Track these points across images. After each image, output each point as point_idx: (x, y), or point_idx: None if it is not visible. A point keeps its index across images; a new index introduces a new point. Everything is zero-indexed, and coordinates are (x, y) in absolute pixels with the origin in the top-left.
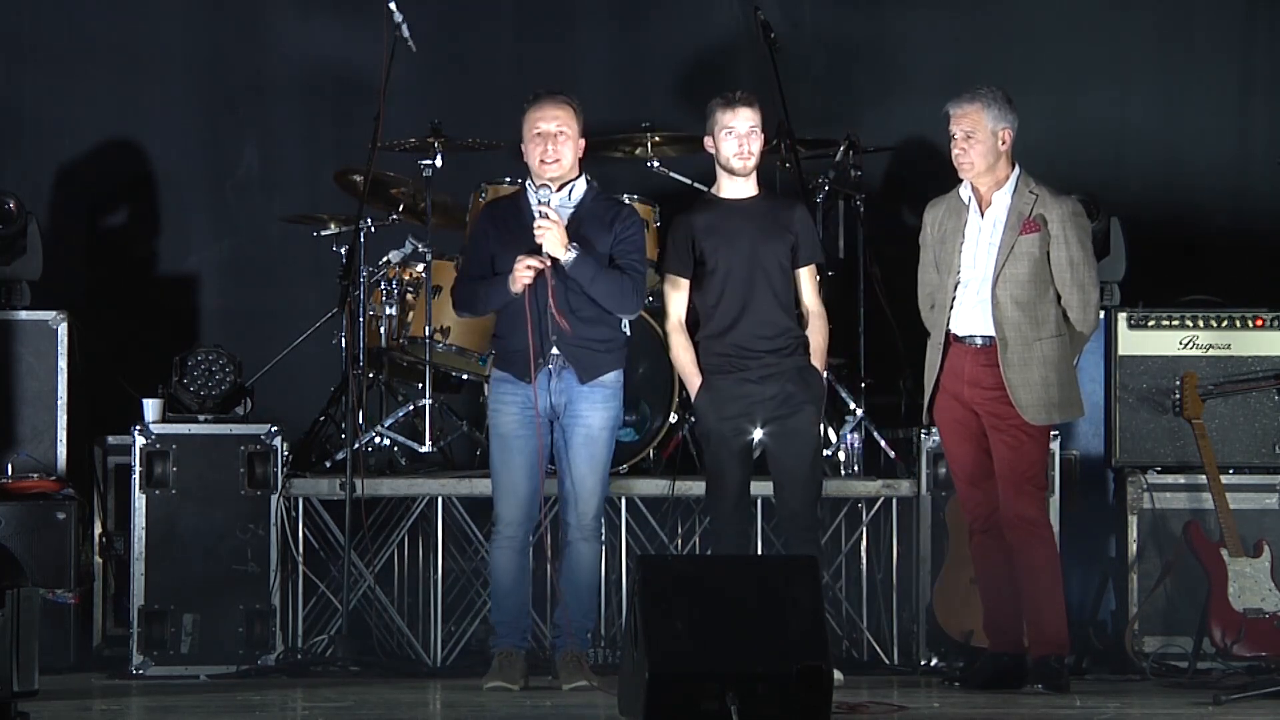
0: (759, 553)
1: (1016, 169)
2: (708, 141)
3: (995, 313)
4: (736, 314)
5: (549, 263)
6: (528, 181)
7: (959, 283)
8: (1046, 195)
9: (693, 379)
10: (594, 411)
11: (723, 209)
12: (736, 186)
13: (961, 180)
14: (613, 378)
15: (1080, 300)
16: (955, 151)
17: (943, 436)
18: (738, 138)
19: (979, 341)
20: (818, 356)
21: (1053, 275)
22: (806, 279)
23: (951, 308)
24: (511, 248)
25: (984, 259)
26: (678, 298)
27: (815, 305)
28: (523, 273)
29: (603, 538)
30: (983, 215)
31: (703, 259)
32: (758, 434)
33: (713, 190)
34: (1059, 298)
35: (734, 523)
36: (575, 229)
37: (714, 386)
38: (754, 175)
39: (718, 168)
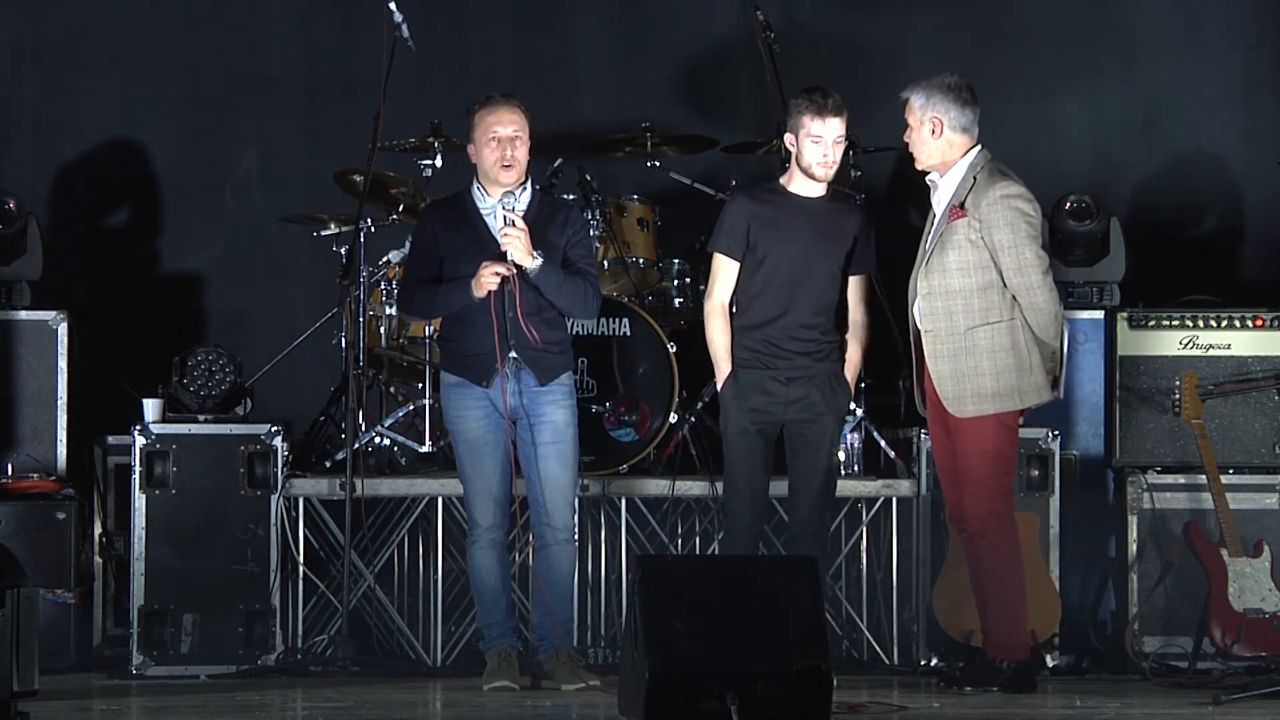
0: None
1: (968, 156)
2: (789, 138)
3: (923, 303)
4: (777, 311)
5: (515, 270)
6: (475, 185)
7: (920, 273)
8: (983, 181)
9: (722, 365)
10: (557, 409)
11: (784, 202)
12: (807, 184)
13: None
14: (567, 376)
15: (1023, 284)
16: (905, 139)
17: (929, 432)
18: (824, 146)
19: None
20: (851, 367)
21: (994, 262)
22: (857, 288)
23: (913, 300)
24: (464, 252)
25: (926, 247)
26: (725, 279)
27: (861, 316)
28: (489, 279)
29: (576, 538)
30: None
31: (754, 248)
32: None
33: (781, 180)
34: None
35: (748, 519)
36: (532, 234)
37: (740, 379)
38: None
39: (794, 164)
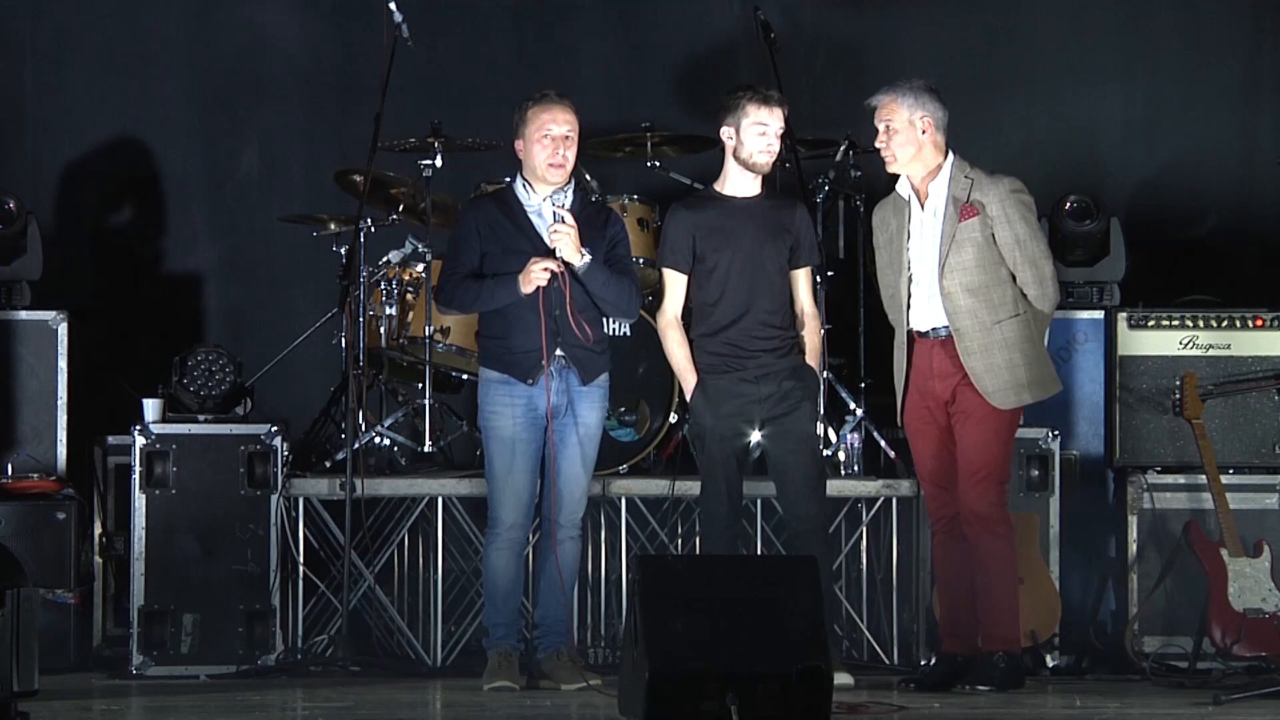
0: (758, 553)
1: (950, 157)
2: (726, 132)
3: (946, 303)
4: (737, 313)
5: (563, 268)
6: (519, 181)
7: (911, 279)
8: (982, 178)
9: (688, 377)
10: (592, 411)
11: (724, 206)
12: (743, 184)
13: (898, 178)
14: (605, 377)
15: (1034, 276)
16: (879, 143)
17: (909, 436)
18: (769, 136)
19: (942, 334)
20: (813, 356)
21: (1003, 256)
22: (802, 280)
23: (909, 306)
24: (507, 248)
25: (929, 252)
26: (675, 293)
27: (810, 307)
28: (538, 275)
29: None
30: (923, 208)
31: (703, 257)
32: (755, 436)
33: (715, 185)
34: (1015, 277)
35: (726, 525)
36: (579, 233)
37: (709, 386)
38: (761, 174)
39: (730, 161)
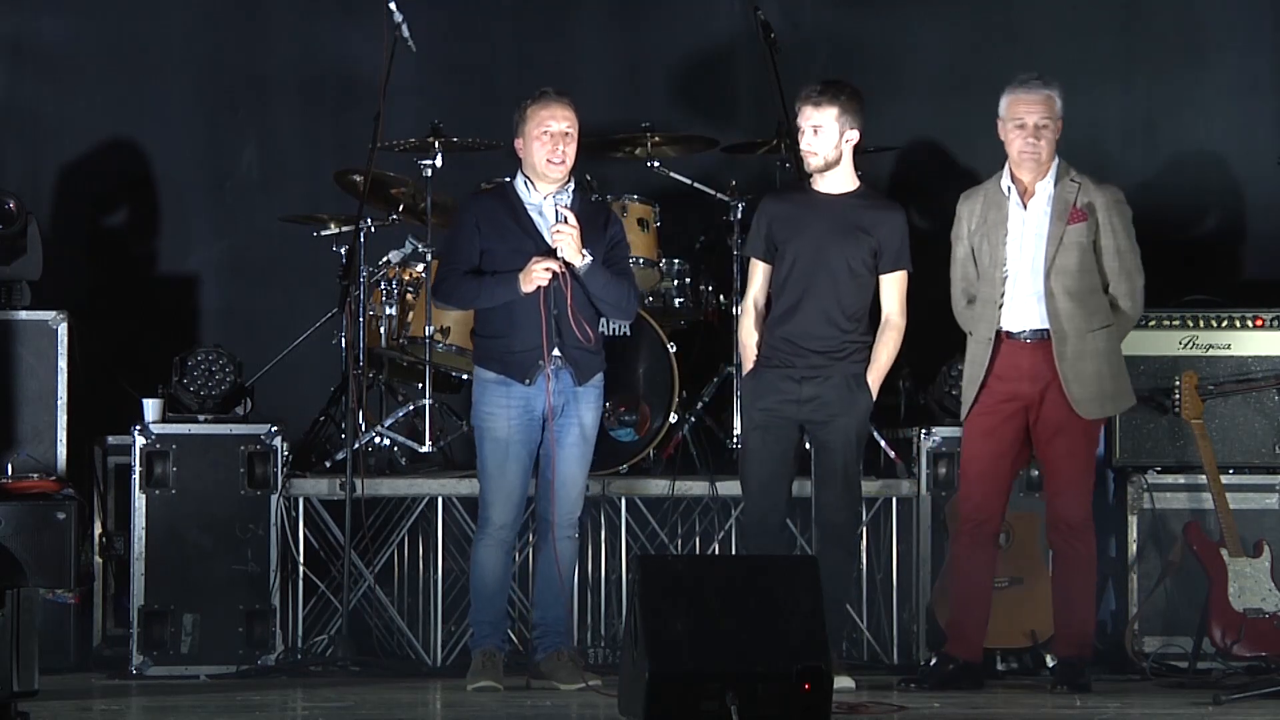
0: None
1: (1057, 158)
2: None
3: (1049, 304)
4: (793, 307)
5: (565, 268)
6: (520, 179)
7: (1006, 276)
8: (1089, 183)
9: (747, 361)
10: (588, 411)
11: (805, 200)
12: (828, 180)
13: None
14: (599, 378)
15: (1129, 289)
16: (1027, 140)
17: (968, 433)
18: (803, 136)
19: (1028, 337)
20: (875, 368)
21: (1101, 264)
22: (888, 286)
23: (1001, 304)
24: (508, 245)
25: (1031, 250)
26: (754, 281)
27: (894, 316)
28: (539, 275)
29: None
30: (1025, 206)
31: (776, 245)
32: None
33: (811, 180)
34: (1105, 286)
35: (757, 514)
36: (580, 233)
37: (758, 377)
38: (849, 171)
39: None
